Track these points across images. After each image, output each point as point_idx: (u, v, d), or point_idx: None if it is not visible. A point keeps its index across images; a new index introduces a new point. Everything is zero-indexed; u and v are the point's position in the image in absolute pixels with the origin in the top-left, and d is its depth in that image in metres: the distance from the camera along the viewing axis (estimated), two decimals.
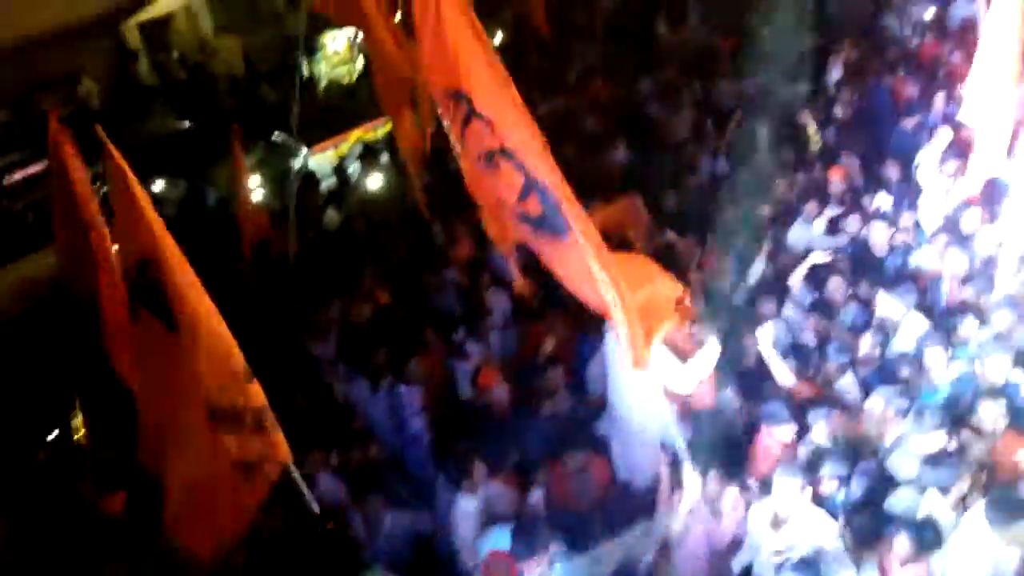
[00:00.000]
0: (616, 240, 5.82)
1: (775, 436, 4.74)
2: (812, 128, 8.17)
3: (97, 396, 5.96)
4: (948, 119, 7.31)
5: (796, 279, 6.11)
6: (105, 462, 5.96)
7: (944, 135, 6.77)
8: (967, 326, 5.16)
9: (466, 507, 4.93)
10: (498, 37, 13.18)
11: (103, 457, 6.02)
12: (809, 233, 6.69)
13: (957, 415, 4.49)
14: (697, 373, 4.94)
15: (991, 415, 4.36)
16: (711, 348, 4.95)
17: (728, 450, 4.75)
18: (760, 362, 5.30)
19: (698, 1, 12.93)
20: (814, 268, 6.06)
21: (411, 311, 7.30)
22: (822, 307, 5.85)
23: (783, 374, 5.14)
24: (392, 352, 6.53)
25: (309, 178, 10.26)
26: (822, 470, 4.43)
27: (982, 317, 5.25)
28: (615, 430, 5.27)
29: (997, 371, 4.64)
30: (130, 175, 4.19)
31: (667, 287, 4.67)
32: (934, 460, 4.31)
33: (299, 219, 8.81)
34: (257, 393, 4.07)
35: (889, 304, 5.50)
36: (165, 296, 4.11)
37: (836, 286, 5.91)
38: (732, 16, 12.27)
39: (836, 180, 7.18)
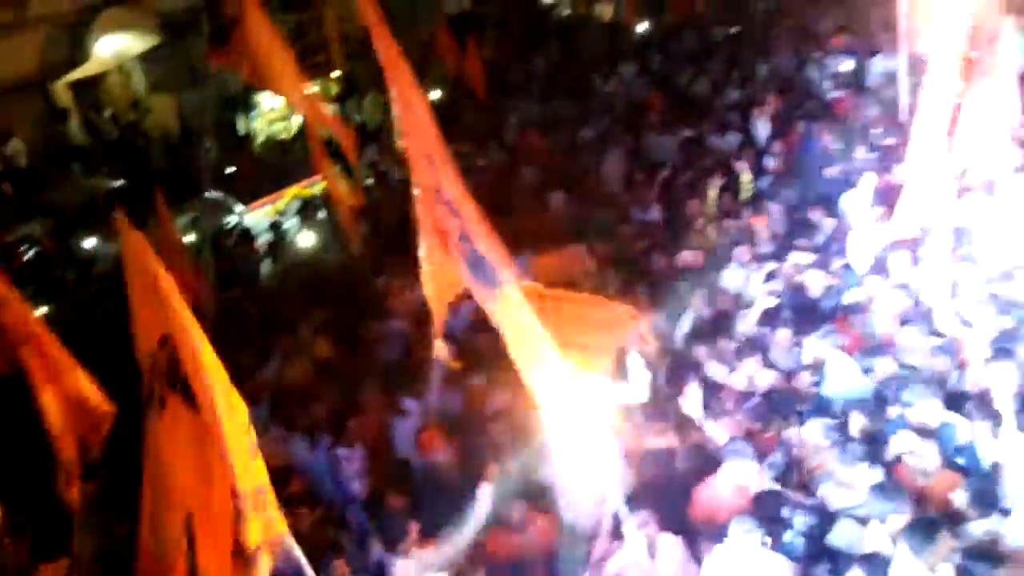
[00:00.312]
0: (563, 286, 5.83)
1: (734, 477, 4.76)
2: (746, 177, 8.40)
3: None
4: (871, 166, 7.60)
5: (750, 322, 6.20)
6: None
7: (868, 181, 7.01)
8: (891, 365, 5.27)
9: (404, 570, 4.81)
10: (435, 94, 13.41)
11: None
12: (743, 278, 6.81)
13: (891, 453, 4.57)
14: (638, 409, 4.95)
15: (926, 454, 4.45)
16: (646, 385, 4.97)
17: (668, 494, 4.74)
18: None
19: (631, 58, 13.36)
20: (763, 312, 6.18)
21: (350, 366, 7.18)
22: (764, 349, 5.93)
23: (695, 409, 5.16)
24: (331, 410, 6.39)
25: (244, 235, 10.16)
26: (775, 511, 4.45)
27: (911, 356, 5.39)
28: (558, 478, 5.22)
29: (926, 413, 4.73)
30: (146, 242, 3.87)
31: (617, 322, 4.70)
32: (874, 492, 4.38)
33: (232, 275, 8.68)
34: (262, 469, 3.86)
35: (822, 345, 5.60)
36: (185, 374, 3.81)
37: (783, 334, 6.04)
38: (664, 71, 12.73)
39: (762, 227, 7.36)
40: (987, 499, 4.30)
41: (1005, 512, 4.26)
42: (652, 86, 12.09)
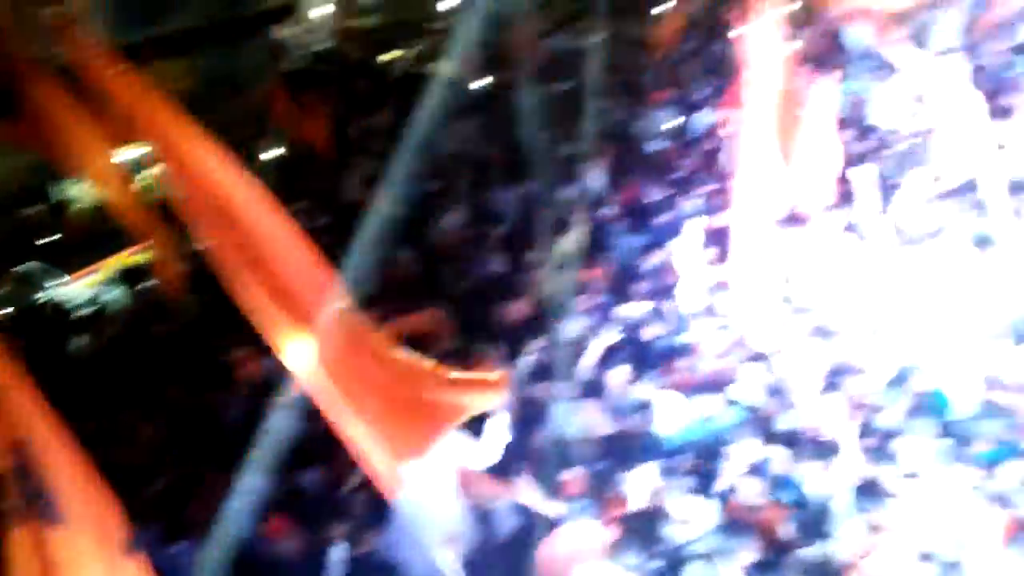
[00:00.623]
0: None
1: (577, 534, 4.72)
2: (586, 228, 8.61)
3: None
4: (698, 213, 8.02)
5: (588, 363, 6.27)
6: None
7: (694, 227, 7.35)
8: (721, 404, 5.46)
9: None
10: (275, 152, 13.13)
11: None
12: (583, 326, 6.93)
13: (723, 489, 4.71)
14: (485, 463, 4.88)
15: (751, 490, 4.61)
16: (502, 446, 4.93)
17: (511, 554, 4.68)
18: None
19: (472, 115, 13.58)
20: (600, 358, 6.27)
21: (187, 444, 6.74)
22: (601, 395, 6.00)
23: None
24: (164, 495, 5.95)
25: (56, 309, 9.50)
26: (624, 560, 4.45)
27: (741, 394, 5.63)
28: (403, 542, 5.05)
29: (754, 450, 4.92)
30: None
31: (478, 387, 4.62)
32: (716, 529, 4.47)
33: (43, 353, 8.02)
34: None
35: (655, 388, 5.76)
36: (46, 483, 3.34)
37: (619, 374, 6.13)
38: (505, 128, 13.00)
39: (599, 276, 7.56)
40: (814, 528, 4.50)
41: (830, 535, 4.48)
42: (492, 141, 12.31)
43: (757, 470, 4.78)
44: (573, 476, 5.15)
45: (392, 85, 17.16)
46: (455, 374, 4.72)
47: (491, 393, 4.56)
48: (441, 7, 21.54)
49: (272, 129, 13.27)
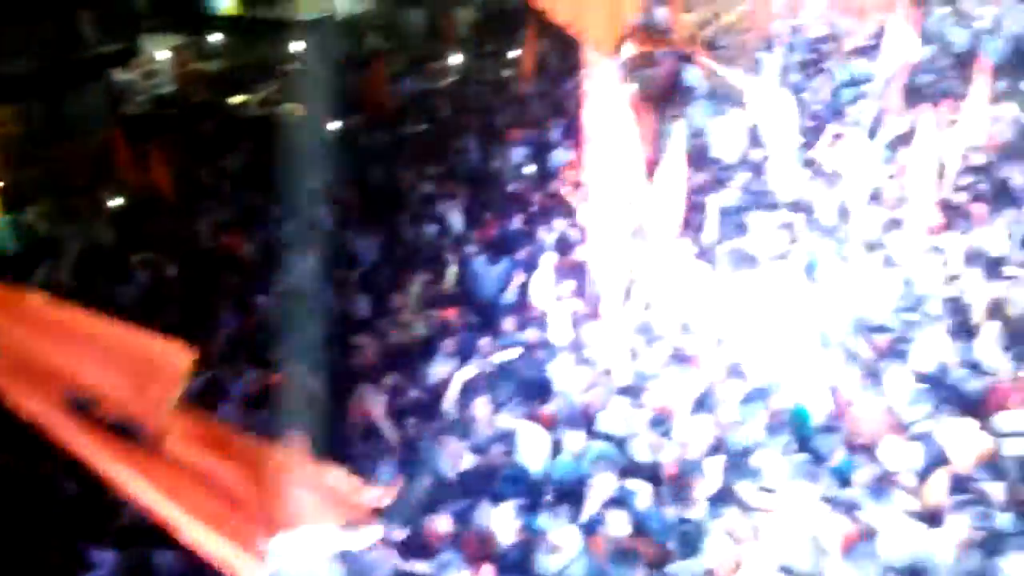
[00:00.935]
0: None
1: None
2: (452, 270, 8.61)
3: None
4: (553, 248, 8.22)
5: (450, 399, 6.22)
6: None
7: (548, 261, 7.51)
8: (580, 439, 5.57)
9: None
10: (119, 200, 12.51)
11: None
12: (447, 366, 6.90)
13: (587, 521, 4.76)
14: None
15: (617, 523, 4.69)
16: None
17: None
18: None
19: (325, 156, 13.38)
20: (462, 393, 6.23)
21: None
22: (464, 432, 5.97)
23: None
24: None
25: None
26: None
27: (606, 426, 5.73)
28: None
29: (607, 483, 5.01)
30: None
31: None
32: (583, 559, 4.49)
33: None
34: None
35: (519, 422, 5.79)
36: None
37: (482, 408, 6.12)
38: (359, 168, 12.89)
39: (457, 315, 7.64)
40: (680, 546, 4.61)
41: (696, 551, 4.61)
42: (349, 183, 12.17)
43: (622, 500, 4.86)
44: (439, 518, 5.07)
45: (242, 128, 16.75)
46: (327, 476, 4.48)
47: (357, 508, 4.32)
48: (291, 48, 21.28)
49: (113, 176, 12.65)
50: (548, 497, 5.07)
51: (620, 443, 5.66)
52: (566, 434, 5.61)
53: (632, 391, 6.14)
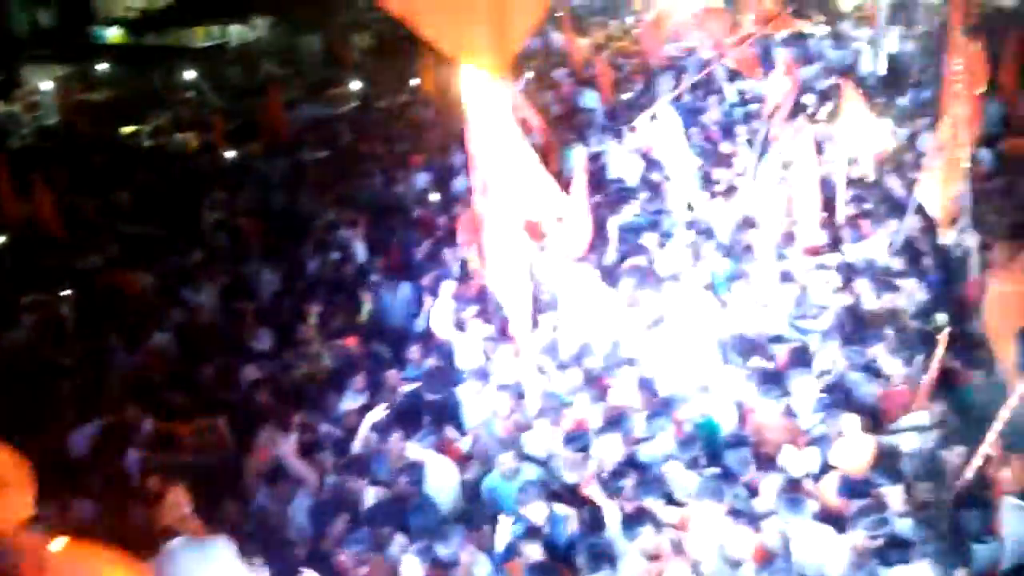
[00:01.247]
0: None
1: None
2: (366, 305, 8.48)
3: None
4: (453, 275, 8.28)
5: (361, 438, 6.09)
6: None
7: (448, 288, 7.48)
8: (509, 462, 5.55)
9: None
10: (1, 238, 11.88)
11: None
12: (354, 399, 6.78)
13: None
14: None
15: (530, 551, 4.68)
16: None
17: None
18: None
19: (222, 185, 13.07)
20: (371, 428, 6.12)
21: None
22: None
23: None
24: None
25: None
26: None
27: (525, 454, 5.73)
28: None
29: (536, 512, 5.00)
30: None
31: None
32: None
33: None
34: None
35: (425, 452, 5.74)
36: None
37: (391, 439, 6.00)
38: (258, 197, 12.62)
39: (354, 344, 7.61)
40: (596, 563, 4.61)
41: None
42: (247, 212, 11.89)
43: (534, 532, 4.85)
44: (348, 553, 4.94)
45: (133, 159, 16.20)
46: None
47: None
48: (184, 77, 20.78)
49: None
50: (459, 527, 4.99)
51: (543, 464, 5.67)
52: (483, 461, 5.57)
53: (544, 412, 6.15)
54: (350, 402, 6.73)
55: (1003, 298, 5.22)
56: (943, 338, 5.85)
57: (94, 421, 6.84)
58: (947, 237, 8.30)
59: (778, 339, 7.04)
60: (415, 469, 5.59)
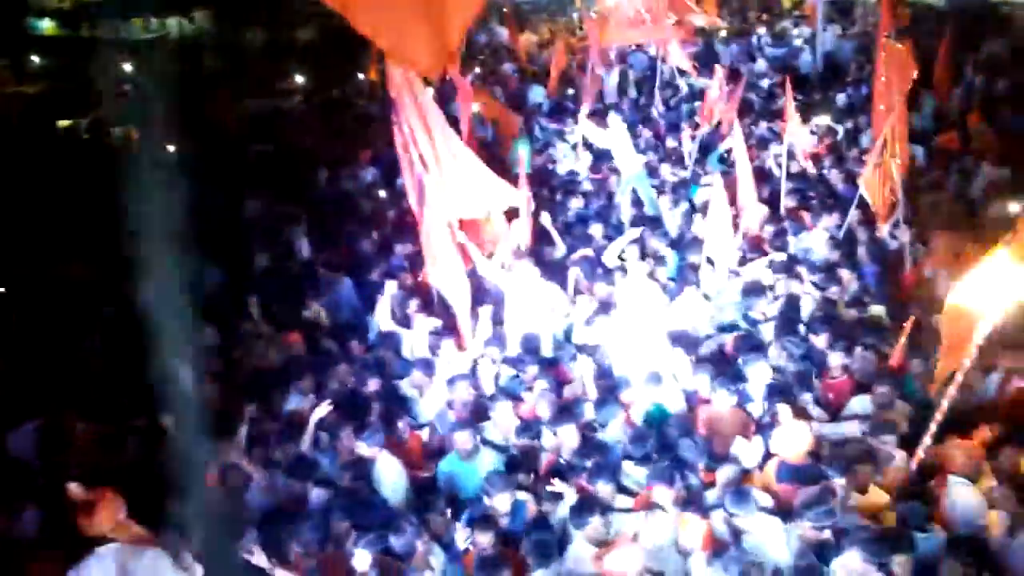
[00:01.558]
0: None
1: None
2: (317, 310, 8.37)
3: None
4: (400, 271, 8.33)
5: (308, 435, 6.03)
6: None
7: (390, 287, 7.50)
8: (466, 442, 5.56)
9: None
10: None
11: None
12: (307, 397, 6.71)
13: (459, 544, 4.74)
14: None
15: (483, 539, 4.68)
16: None
17: None
18: None
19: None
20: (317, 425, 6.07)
21: None
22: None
23: None
24: None
25: None
26: None
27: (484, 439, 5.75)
28: None
29: (502, 502, 5.02)
30: None
31: None
32: None
33: None
34: None
35: (375, 450, 5.71)
36: None
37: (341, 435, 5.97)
38: (201, 194, 12.37)
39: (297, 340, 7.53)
40: (546, 550, 4.65)
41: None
42: (191, 208, 11.63)
43: (487, 520, 4.86)
44: (299, 550, 4.90)
45: (70, 153, 15.75)
46: None
47: None
48: (123, 69, 20.21)
49: None
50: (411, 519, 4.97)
51: (502, 450, 5.70)
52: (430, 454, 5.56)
53: (495, 402, 6.17)
54: (296, 400, 6.67)
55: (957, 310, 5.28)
56: (906, 328, 6.08)
57: (30, 422, 6.67)
58: (882, 230, 8.55)
59: (727, 328, 7.18)
60: (365, 465, 5.55)
